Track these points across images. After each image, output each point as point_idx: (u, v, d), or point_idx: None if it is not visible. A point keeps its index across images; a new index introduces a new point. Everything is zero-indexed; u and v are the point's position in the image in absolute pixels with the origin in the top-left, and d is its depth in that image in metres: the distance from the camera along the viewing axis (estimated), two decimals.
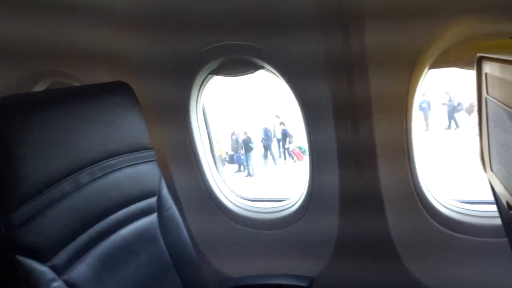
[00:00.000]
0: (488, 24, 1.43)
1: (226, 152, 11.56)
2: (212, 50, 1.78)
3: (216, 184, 2.11)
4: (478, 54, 1.18)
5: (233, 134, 11.57)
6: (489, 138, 1.20)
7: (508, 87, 0.94)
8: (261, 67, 1.84)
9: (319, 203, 1.90)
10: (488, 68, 1.12)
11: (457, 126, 11.06)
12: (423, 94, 11.21)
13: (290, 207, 2.03)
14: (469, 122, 10.61)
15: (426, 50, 1.52)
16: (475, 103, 1.31)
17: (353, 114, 1.69)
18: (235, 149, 11.55)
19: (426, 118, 11.08)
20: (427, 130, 11.01)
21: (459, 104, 11.14)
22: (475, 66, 1.23)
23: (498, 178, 1.15)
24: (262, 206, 2.10)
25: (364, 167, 1.76)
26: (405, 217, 1.78)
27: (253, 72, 1.89)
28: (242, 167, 11.69)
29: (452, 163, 8.66)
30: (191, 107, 1.94)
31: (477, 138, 1.32)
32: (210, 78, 1.95)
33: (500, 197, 1.18)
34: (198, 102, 1.99)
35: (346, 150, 1.76)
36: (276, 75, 1.82)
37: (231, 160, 11.65)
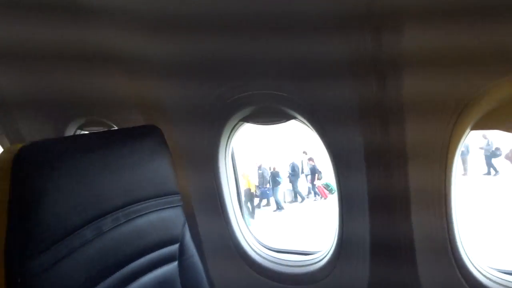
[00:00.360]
0: None
1: (256, 185, 11.44)
2: (243, 98, 1.77)
3: (242, 234, 2.05)
4: None
5: (259, 168, 11.52)
6: None
7: None
8: (293, 117, 1.82)
9: (349, 256, 1.79)
10: None
11: (496, 172, 10.50)
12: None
13: (319, 261, 1.93)
14: (510, 169, 10.07)
15: (471, 103, 1.42)
16: None
17: (386, 162, 1.61)
18: (261, 183, 11.45)
19: (464, 162, 10.62)
20: (465, 174, 10.52)
21: (497, 149, 10.63)
22: None
23: None
24: (288, 259, 2.01)
25: (396, 216, 1.66)
26: (437, 272, 1.66)
27: (285, 122, 1.87)
28: (264, 201, 11.55)
29: (491, 216, 8.13)
30: (220, 152, 1.93)
31: None
32: (241, 124, 1.95)
33: None
34: (228, 147, 1.98)
35: (378, 198, 1.68)
36: (308, 126, 1.79)
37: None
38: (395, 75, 1.46)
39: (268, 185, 11.31)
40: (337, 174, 1.74)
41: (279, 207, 11.21)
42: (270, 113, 1.83)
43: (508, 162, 10.40)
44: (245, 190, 10.96)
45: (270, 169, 11.36)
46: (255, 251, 2.03)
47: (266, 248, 2.07)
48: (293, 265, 1.97)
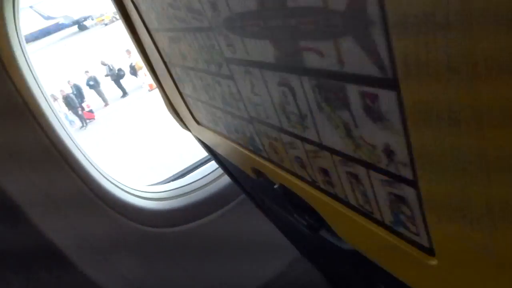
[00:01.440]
0: None
1: None
2: None
3: None
4: None
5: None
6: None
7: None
8: None
9: None
10: None
11: (125, 93, 11.44)
12: (87, 72, 11.10)
13: None
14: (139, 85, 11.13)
15: None
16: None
17: None
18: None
19: (100, 94, 10.91)
20: (107, 105, 10.88)
21: (120, 70, 11.21)
22: None
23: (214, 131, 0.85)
24: None
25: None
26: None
27: None
28: None
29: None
30: None
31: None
32: None
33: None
34: None
35: None
36: None
37: None
38: None
39: None
40: None
41: None
42: None
43: (134, 76, 11.27)
44: None
45: None
46: None
47: None
48: None
